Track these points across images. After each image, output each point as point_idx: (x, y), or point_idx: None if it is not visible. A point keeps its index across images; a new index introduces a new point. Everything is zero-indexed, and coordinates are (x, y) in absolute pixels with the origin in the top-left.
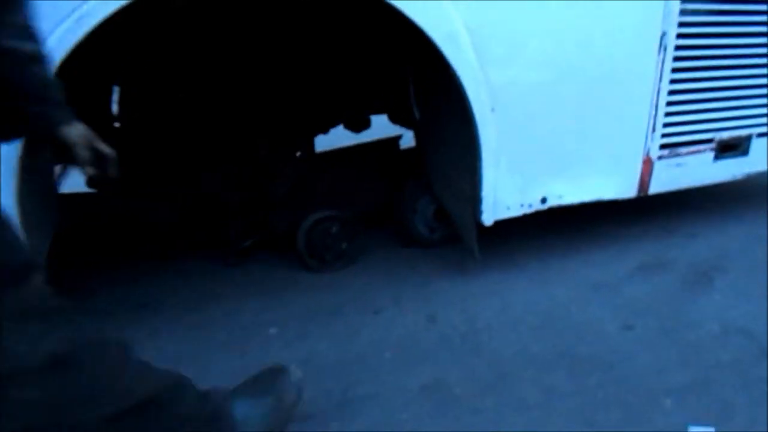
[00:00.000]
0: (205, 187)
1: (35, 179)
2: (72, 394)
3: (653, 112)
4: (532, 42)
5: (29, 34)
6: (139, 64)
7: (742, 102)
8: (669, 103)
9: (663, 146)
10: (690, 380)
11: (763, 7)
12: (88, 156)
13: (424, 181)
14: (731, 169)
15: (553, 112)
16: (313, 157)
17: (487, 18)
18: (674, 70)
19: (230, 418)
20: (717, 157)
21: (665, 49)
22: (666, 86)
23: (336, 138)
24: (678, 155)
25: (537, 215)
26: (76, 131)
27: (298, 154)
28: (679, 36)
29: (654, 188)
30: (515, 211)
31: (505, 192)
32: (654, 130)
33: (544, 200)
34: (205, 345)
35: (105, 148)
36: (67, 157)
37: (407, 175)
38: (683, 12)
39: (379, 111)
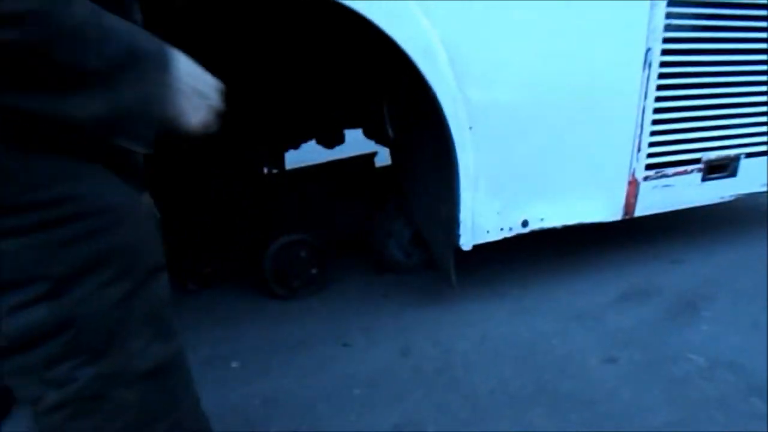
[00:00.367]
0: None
1: None
2: (156, 405)
3: (638, 131)
4: (512, 58)
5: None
6: None
7: (731, 121)
8: (655, 122)
9: (649, 167)
10: (675, 418)
11: (752, 23)
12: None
13: (400, 202)
14: (719, 191)
15: (534, 131)
16: (282, 174)
17: (466, 34)
18: (659, 88)
19: None
20: (705, 179)
21: (650, 66)
22: (651, 104)
23: (307, 154)
24: (664, 176)
25: (518, 239)
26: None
27: (265, 170)
28: (664, 52)
29: (640, 210)
30: (495, 235)
31: (484, 215)
32: (639, 149)
33: (525, 223)
34: None
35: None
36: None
37: (382, 196)
38: (668, 27)
39: (353, 125)
